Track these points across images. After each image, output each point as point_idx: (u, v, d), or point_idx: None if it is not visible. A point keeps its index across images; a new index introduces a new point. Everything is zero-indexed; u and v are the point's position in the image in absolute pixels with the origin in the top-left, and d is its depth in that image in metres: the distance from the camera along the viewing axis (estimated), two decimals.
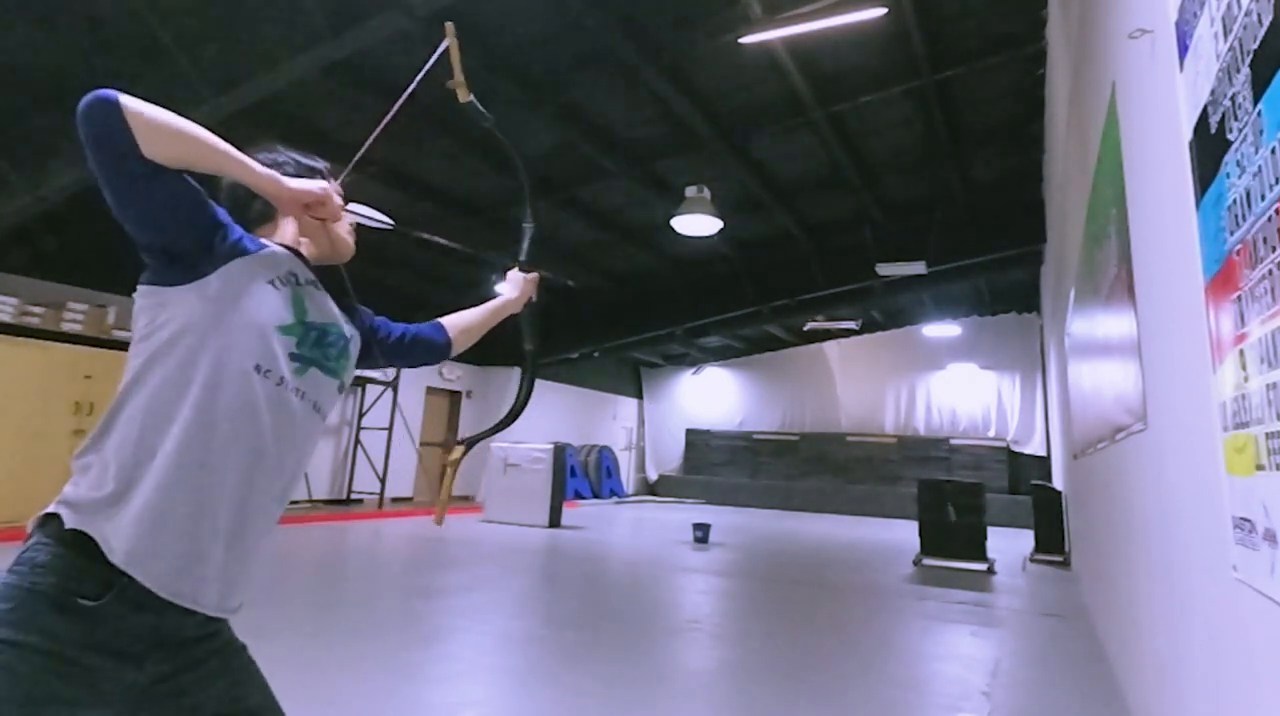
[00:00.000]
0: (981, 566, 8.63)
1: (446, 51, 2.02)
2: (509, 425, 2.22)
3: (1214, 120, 1.52)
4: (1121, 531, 3.86)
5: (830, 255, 12.73)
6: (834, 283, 13.02)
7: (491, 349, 16.25)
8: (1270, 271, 1.24)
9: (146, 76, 5.86)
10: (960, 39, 7.23)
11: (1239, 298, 1.40)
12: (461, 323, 1.95)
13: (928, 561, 8.99)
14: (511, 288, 2.13)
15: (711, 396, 22.50)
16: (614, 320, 15.67)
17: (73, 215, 8.81)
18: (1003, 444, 18.22)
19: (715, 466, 21.76)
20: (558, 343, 15.84)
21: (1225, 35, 1.44)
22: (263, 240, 1.43)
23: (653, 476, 22.58)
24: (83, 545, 1.17)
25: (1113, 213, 3.28)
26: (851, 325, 17.50)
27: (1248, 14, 1.32)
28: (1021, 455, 17.87)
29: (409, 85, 1.89)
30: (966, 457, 18.44)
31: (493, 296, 2.08)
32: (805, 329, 17.76)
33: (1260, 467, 1.34)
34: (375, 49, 6.28)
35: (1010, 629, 5.76)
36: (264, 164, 1.42)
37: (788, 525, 14.80)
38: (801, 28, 6.56)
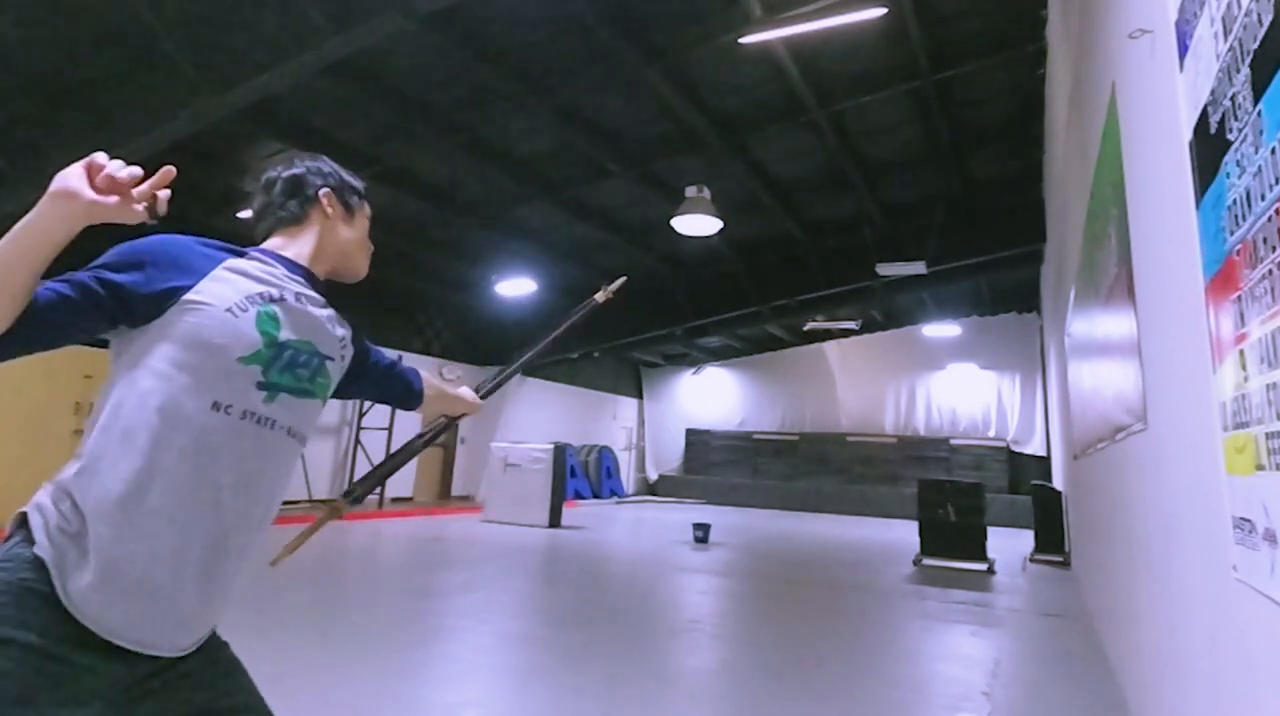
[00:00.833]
0: (981, 566, 8.63)
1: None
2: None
3: (1214, 120, 1.52)
4: (1121, 531, 3.86)
5: (830, 255, 12.74)
6: (834, 282, 13.03)
7: (491, 350, 16.29)
8: (1270, 271, 1.24)
9: (142, 75, 5.86)
10: (960, 39, 7.23)
11: (1239, 298, 1.40)
12: (431, 385, 1.93)
13: (928, 561, 8.99)
14: (462, 399, 2.02)
15: (711, 396, 22.51)
16: (614, 320, 15.66)
17: None
18: (1003, 444, 18.23)
19: (715, 466, 21.77)
20: (559, 343, 15.82)
21: (1225, 35, 1.44)
22: (227, 255, 1.35)
23: (653, 476, 22.59)
24: (43, 579, 1.13)
25: (1113, 213, 3.28)
26: (851, 325, 17.51)
27: (1248, 14, 1.32)
28: (1021, 455, 17.89)
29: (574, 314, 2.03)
30: (966, 457, 18.45)
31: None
32: (805, 329, 17.76)
33: (1260, 468, 1.34)
34: (375, 49, 6.28)
35: (1010, 629, 5.75)
36: (310, 171, 1.48)
37: (788, 525, 14.80)
38: (801, 28, 6.56)
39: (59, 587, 1.12)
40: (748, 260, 13.41)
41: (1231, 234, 1.43)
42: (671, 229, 10.38)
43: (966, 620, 5.99)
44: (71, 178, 1.14)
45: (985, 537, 8.73)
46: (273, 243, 1.47)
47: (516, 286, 13.51)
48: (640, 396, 23.66)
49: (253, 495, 1.30)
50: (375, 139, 8.45)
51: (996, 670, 4.54)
